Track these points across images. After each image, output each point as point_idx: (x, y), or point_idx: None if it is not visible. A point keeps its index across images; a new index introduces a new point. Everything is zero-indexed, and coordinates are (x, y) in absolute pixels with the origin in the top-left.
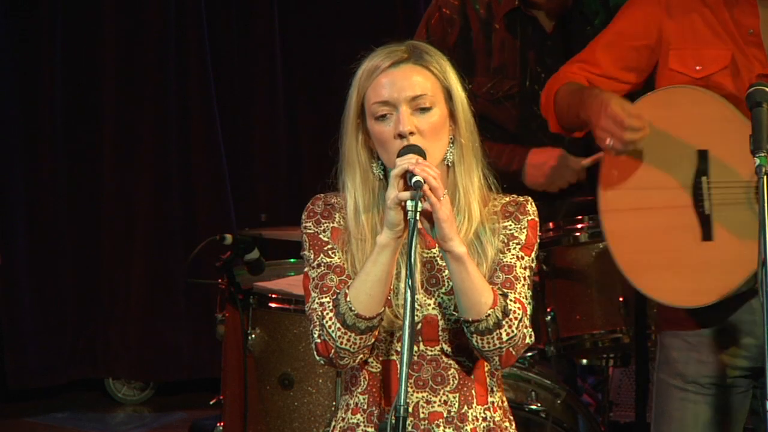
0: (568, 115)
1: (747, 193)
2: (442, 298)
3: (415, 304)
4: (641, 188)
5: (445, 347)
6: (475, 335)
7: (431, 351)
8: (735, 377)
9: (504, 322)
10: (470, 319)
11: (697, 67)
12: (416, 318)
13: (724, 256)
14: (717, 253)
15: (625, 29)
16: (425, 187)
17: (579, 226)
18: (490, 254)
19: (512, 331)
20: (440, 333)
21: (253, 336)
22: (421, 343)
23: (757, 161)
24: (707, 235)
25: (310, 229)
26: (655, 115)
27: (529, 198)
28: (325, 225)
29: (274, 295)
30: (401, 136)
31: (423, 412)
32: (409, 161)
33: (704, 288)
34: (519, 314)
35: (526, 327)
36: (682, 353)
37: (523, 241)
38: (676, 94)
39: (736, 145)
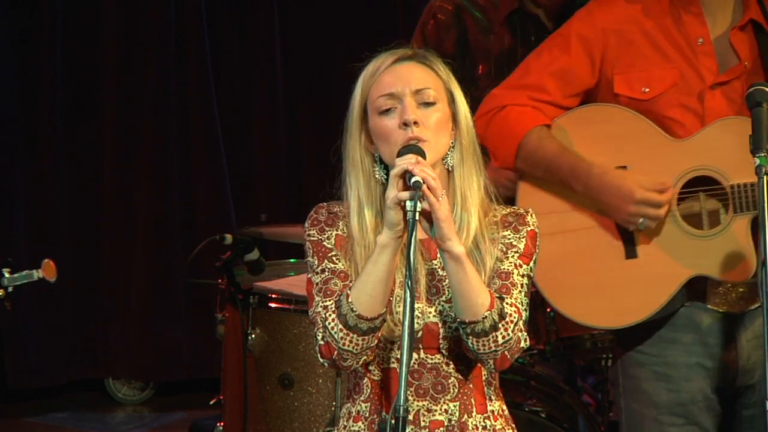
0: (534, 166)
1: (672, 210)
2: (442, 306)
3: (417, 312)
4: (558, 212)
5: (446, 355)
6: (471, 337)
7: (431, 359)
8: (708, 402)
9: (500, 325)
10: (467, 321)
11: (645, 89)
12: (417, 326)
13: (650, 273)
14: (641, 271)
15: (570, 66)
16: (424, 187)
17: None
18: (488, 264)
19: (508, 335)
20: (440, 341)
21: (253, 336)
22: (422, 351)
23: (757, 161)
24: (631, 253)
25: (313, 237)
26: (574, 134)
27: (530, 209)
28: (329, 233)
29: (274, 295)
30: (406, 124)
31: (424, 421)
32: (408, 161)
33: (630, 307)
34: (515, 318)
35: (521, 331)
36: (650, 383)
37: (522, 250)
38: (592, 111)
39: (655, 160)
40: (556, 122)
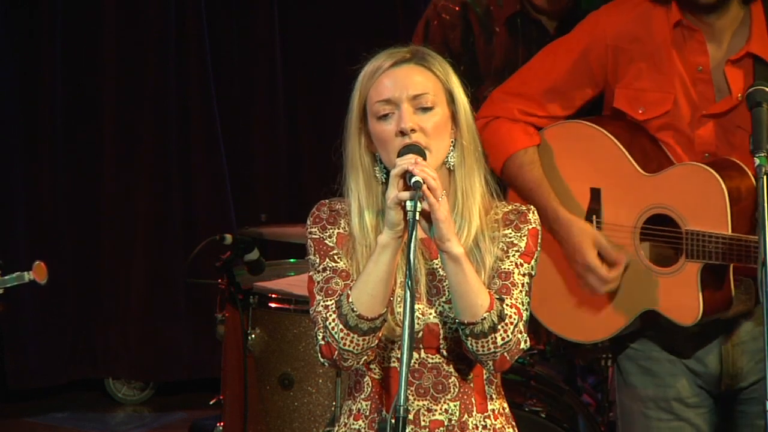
0: (515, 188)
1: (633, 239)
2: (443, 306)
3: (417, 312)
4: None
5: (446, 355)
6: (470, 338)
7: (432, 359)
8: (696, 399)
9: (499, 327)
10: (466, 321)
11: (640, 110)
12: (418, 326)
13: (611, 298)
14: (600, 296)
15: (569, 80)
16: (424, 187)
17: None
18: (488, 263)
19: (507, 336)
20: (441, 341)
21: (253, 336)
22: (422, 351)
23: (757, 161)
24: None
25: (315, 235)
26: (557, 147)
27: (532, 207)
28: (331, 231)
29: (274, 295)
30: (403, 133)
31: (424, 420)
32: (408, 161)
33: (595, 326)
34: (515, 319)
35: (521, 332)
36: (638, 377)
37: (523, 249)
38: (577, 128)
39: (625, 189)
40: (543, 133)
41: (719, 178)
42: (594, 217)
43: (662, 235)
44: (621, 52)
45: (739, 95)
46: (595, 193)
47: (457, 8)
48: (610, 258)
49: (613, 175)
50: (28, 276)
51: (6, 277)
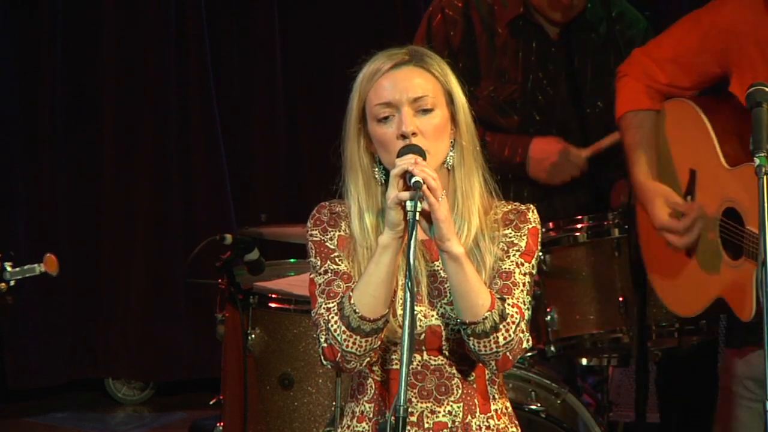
0: (623, 145)
1: (714, 228)
2: (444, 308)
3: (419, 315)
4: None
5: (449, 357)
6: (472, 338)
7: (435, 360)
8: None
9: (501, 326)
10: (467, 321)
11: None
12: (420, 328)
13: (695, 277)
14: (692, 272)
15: (694, 54)
16: (424, 187)
17: (579, 226)
18: (488, 262)
19: (509, 336)
20: (443, 342)
21: (253, 336)
22: (425, 353)
23: (757, 161)
24: (689, 252)
25: (316, 237)
26: (670, 120)
27: (531, 206)
28: (332, 233)
29: (274, 295)
30: (404, 136)
31: (428, 422)
32: (408, 161)
33: (686, 301)
34: (516, 318)
35: (522, 332)
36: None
37: (523, 248)
38: (690, 109)
39: (712, 176)
40: (665, 103)
41: None
42: (689, 198)
43: (729, 229)
44: (740, 36)
45: None
46: (693, 175)
47: (460, 5)
48: (683, 210)
49: (705, 161)
50: (39, 268)
51: (17, 269)
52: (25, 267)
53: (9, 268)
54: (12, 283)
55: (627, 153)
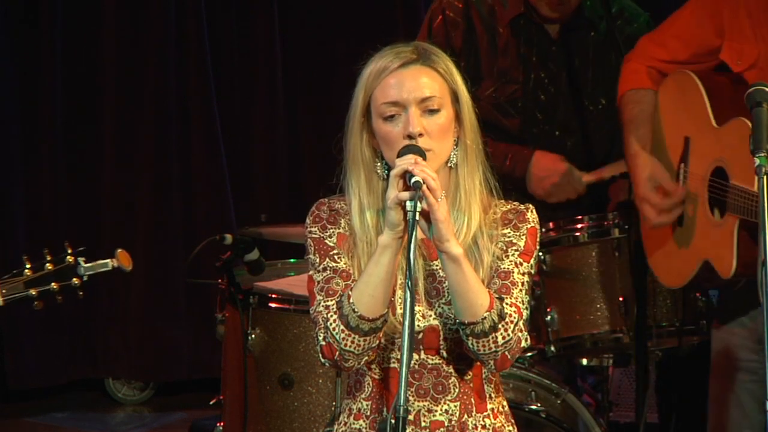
0: (622, 122)
1: (703, 189)
2: (443, 308)
3: (418, 314)
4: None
5: (446, 356)
6: (470, 338)
7: (432, 360)
8: None
9: (500, 326)
10: (466, 321)
11: (738, 61)
12: (418, 328)
13: (686, 246)
14: (679, 240)
15: (693, 27)
16: (424, 187)
17: (579, 226)
18: (486, 260)
19: (508, 335)
20: (441, 342)
21: (253, 336)
22: (422, 352)
23: (757, 161)
24: (679, 220)
25: (315, 234)
26: (666, 94)
27: (530, 206)
28: (331, 231)
29: (274, 295)
30: (410, 137)
31: (424, 421)
32: (408, 162)
33: (675, 271)
34: (515, 318)
35: (521, 331)
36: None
37: (522, 248)
38: (684, 79)
39: (703, 138)
40: (664, 80)
41: None
42: (683, 165)
43: (716, 187)
44: (731, 4)
45: None
46: (687, 143)
47: (460, 5)
48: (668, 189)
49: (697, 126)
50: (112, 263)
51: (91, 264)
52: (99, 262)
53: (83, 263)
54: (85, 278)
55: (624, 127)
